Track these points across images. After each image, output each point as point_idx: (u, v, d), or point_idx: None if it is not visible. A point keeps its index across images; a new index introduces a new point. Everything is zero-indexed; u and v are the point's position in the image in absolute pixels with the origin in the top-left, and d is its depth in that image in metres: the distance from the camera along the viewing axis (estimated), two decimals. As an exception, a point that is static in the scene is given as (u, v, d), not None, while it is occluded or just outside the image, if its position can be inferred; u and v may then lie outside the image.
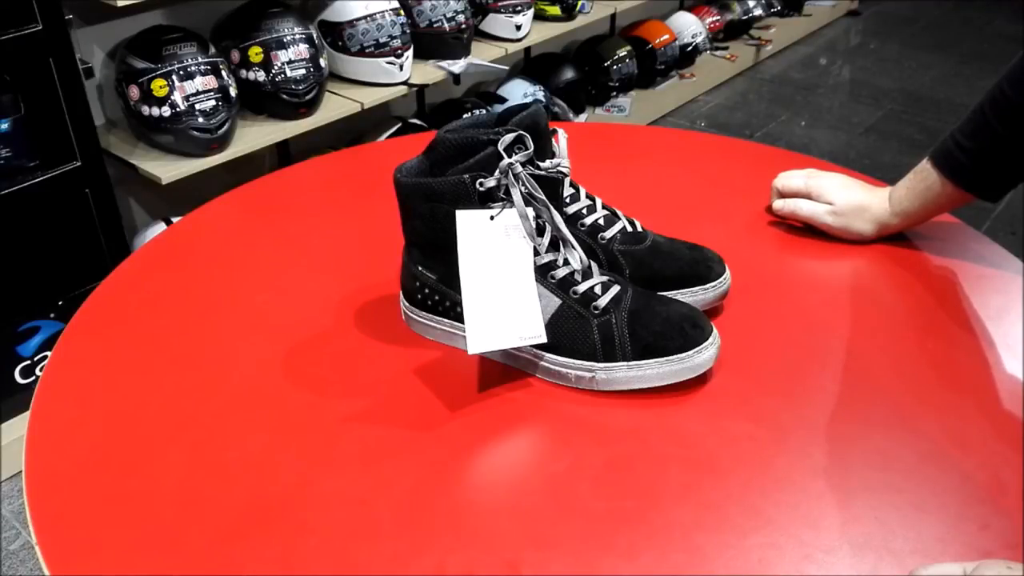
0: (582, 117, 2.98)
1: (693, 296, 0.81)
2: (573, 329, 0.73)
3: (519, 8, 2.49)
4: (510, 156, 0.71)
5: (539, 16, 2.67)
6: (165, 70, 1.76)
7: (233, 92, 1.85)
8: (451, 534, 0.61)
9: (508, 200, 0.72)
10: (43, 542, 0.61)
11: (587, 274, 0.74)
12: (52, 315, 1.78)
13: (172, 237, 0.99)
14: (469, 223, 0.72)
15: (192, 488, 0.65)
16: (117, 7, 1.67)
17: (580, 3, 2.71)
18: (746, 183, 1.07)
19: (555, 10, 2.68)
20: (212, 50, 1.84)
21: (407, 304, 0.81)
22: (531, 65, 2.94)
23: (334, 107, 2.07)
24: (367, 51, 2.11)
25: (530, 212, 0.72)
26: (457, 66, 2.32)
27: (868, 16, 4.51)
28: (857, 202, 0.95)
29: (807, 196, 0.97)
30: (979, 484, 0.66)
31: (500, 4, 2.47)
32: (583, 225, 0.82)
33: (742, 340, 0.80)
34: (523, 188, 0.71)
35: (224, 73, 1.83)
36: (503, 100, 2.69)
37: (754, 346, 0.80)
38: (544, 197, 0.72)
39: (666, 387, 0.73)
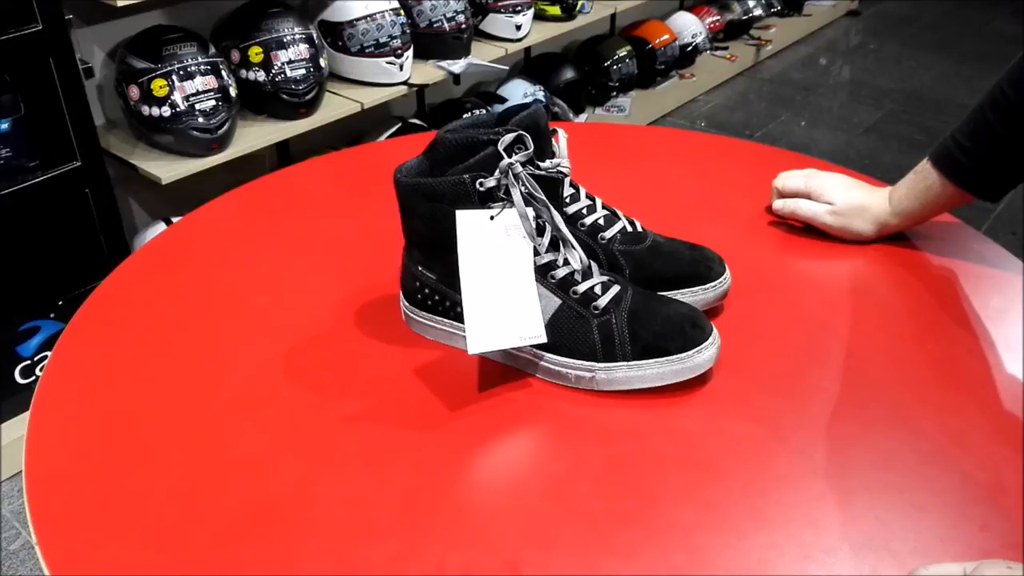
0: (582, 117, 2.98)
1: (693, 296, 0.81)
2: (573, 329, 0.73)
3: (519, 8, 2.49)
4: (510, 156, 0.71)
5: (539, 16, 2.67)
6: (165, 70, 1.76)
7: (233, 92, 1.85)
8: (451, 534, 0.61)
9: (508, 200, 0.72)
10: (43, 542, 0.61)
11: (587, 274, 0.74)
12: (52, 315, 1.78)
13: (172, 237, 0.99)
14: (469, 223, 0.72)
15: (192, 488, 0.65)
16: (117, 7, 1.67)
17: (580, 3, 2.71)
18: (746, 183, 1.07)
19: (555, 10, 2.68)
20: (212, 50, 1.84)
21: (407, 304, 0.81)
22: (531, 65, 2.94)
23: (334, 107, 2.07)
24: (367, 51, 2.11)
25: (530, 212, 0.72)
26: (457, 66, 2.32)
27: (868, 16, 4.51)
28: (857, 202, 0.95)
29: (807, 196, 0.97)
30: (979, 484, 0.66)
31: (500, 4, 2.47)
32: (583, 225, 0.82)
33: (742, 340, 0.80)
34: (523, 188, 0.71)
35: (224, 73, 1.83)
36: (503, 100, 2.69)
37: (754, 346, 0.80)
38: (544, 197, 0.72)
39: (666, 387, 0.73)
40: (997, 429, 0.71)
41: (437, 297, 0.77)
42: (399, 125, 2.35)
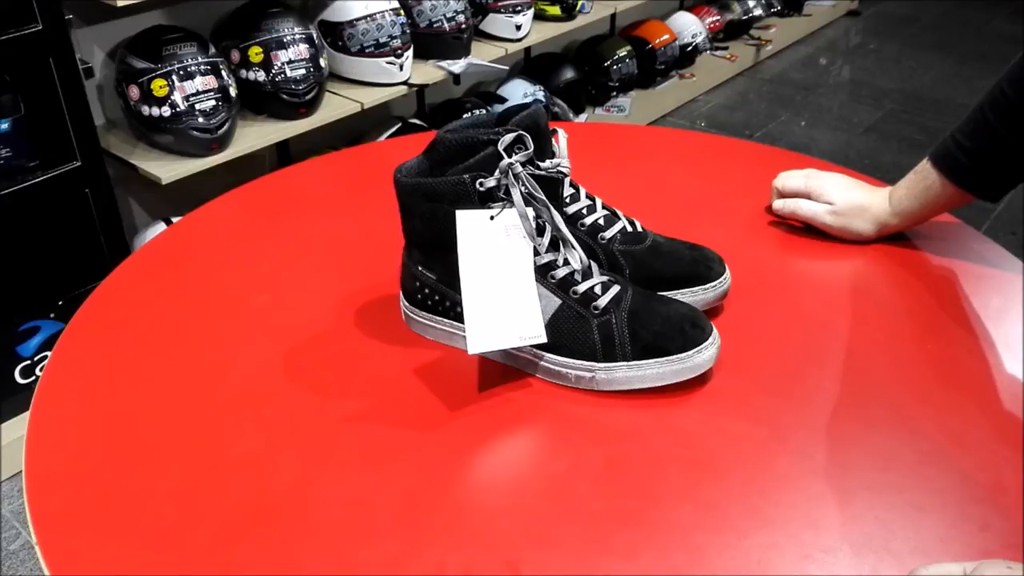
0: (582, 117, 2.98)
1: (693, 296, 0.81)
2: (573, 329, 0.73)
3: (519, 8, 2.49)
4: (510, 156, 0.71)
5: (539, 16, 2.67)
6: (165, 70, 1.76)
7: (233, 92, 1.85)
8: (451, 534, 0.61)
9: (508, 200, 0.72)
10: (43, 542, 0.61)
11: (587, 274, 0.74)
12: (52, 315, 1.78)
13: (172, 237, 0.99)
14: (469, 223, 0.72)
15: (192, 488, 0.65)
16: (117, 7, 1.67)
17: (580, 3, 2.71)
18: (746, 183, 1.07)
19: (555, 10, 2.68)
20: (212, 50, 1.84)
21: (407, 304, 0.81)
22: (531, 65, 2.94)
23: (334, 107, 2.07)
24: (367, 51, 2.11)
25: (530, 212, 0.72)
26: (457, 66, 2.32)
27: (868, 16, 4.51)
28: (857, 202, 0.95)
29: (807, 196, 0.97)
30: (979, 484, 0.66)
31: (500, 4, 2.47)
32: (583, 225, 0.82)
33: (742, 340, 0.80)
34: (523, 188, 0.71)
35: (224, 73, 1.83)
36: (503, 100, 2.69)
37: (754, 346, 0.80)
38: (544, 197, 0.72)
39: (666, 387, 0.73)
40: (997, 429, 0.71)
41: (437, 297, 0.77)
42: (399, 125, 2.35)
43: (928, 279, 0.91)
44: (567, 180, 0.81)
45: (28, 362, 1.74)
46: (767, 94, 3.57)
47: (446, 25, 2.29)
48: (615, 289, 0.74)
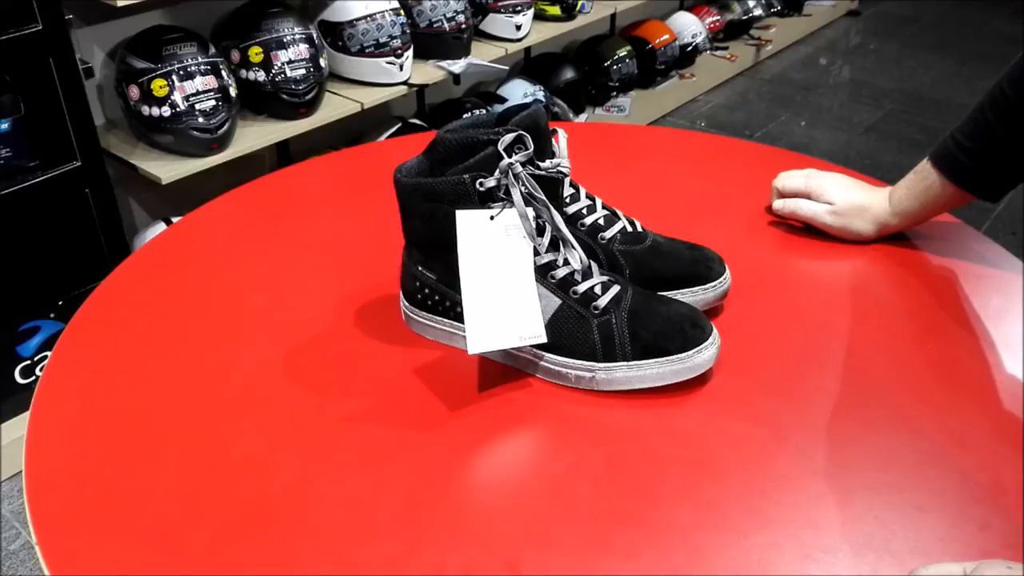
0: (582, 117, 2.98)
1: (693, 296, 0.81)
2: (573, 329, 0.73)
3: (519, 8, 2.49)
4: (510, 156, 0.71)
5: (539, 16, 2.67)
6: (165, 70, 1.76)
7: (233, 92, 1.85)
8: (451, 534, 0.61)
9: (508, 200, 0.72)
10: (43, 542, 0.61)
11: (587, 274, 0.74)
12: (52, 315, 1.78)
13: (172, 237, 0.99)
14: (469, 223, 0.72)
15: (192, 488, 0.65)
16: (117, 7, 1.67)
17: (580, 3, 2.71)
18: (746, 183, 1.07)
19: (555, 10, 2.68)
20: (212, 50, 1.84)
21: (407, 304, 0.81)
22: (531, 65, 2.94)
23: (334, 107, 2.07)
24: (367, 51, 2.11)
25: (530, 212, 0.72)
26: (457, 66, 2.32)
27: (868, 16, 4.51)
28: (857, 202, 0.95)
29: (807, 196, 0.97)
30: (979, 484, 0.66)
31: (500, 4, 2.47)
32: (583, 225, 0.82)
33: (742, 340, 0.80)
34: (523, 188, 0.71)
35: (224, 73, 1.83)
36: (503, 100, 2.69)
37: (754, 346, 0.80)
38: (544, 197, 0.72)
39: (666, 387, 0.73)
40: (997, 429, 0.71)
41: (437, 297, 0.77)
42: (399, 125, 2.35)
43: (928, 279, 0.91)
44: (567, 180, 0.81)
45: (28, 362, 1.74)
46: (767, 94, 3.57)
47: (446, 25, 2.29)
48: (615, 289, 0.74)
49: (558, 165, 0.75)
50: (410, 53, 2.18)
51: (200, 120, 1.79)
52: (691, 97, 3.46)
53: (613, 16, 3.21)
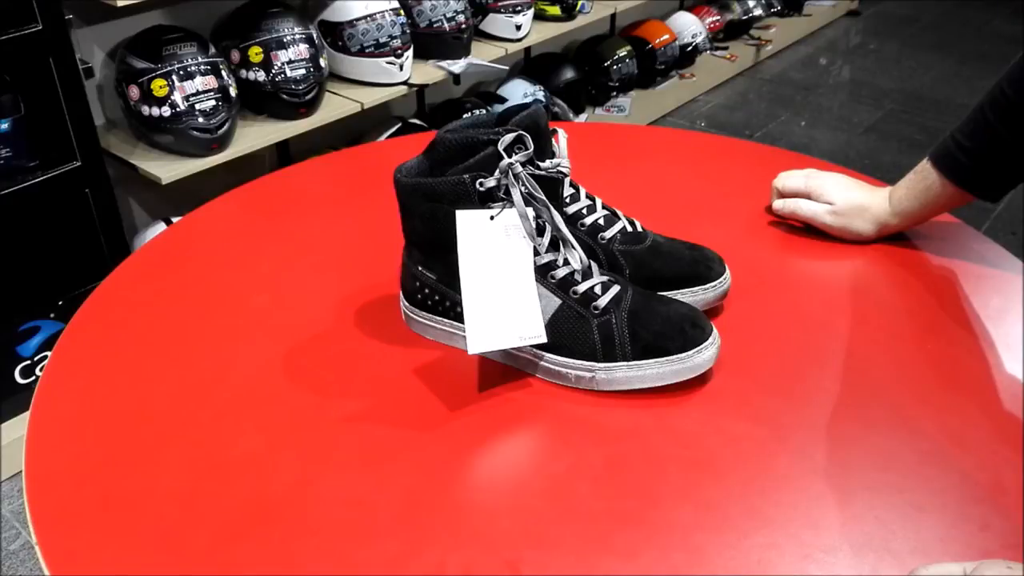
0: (582, 117, 2.98)
1: (693, 296, 0.81)
2: (573, 329, 0.73)
3: (519, 8, 2.49)
4: (510, 156, 0.71)
5: (539, 16, 2.67)
6: (165, 70, 1.76)
7: (233, 92, 1.85)
8: (451, 534, 0.61)
9: (508, 200, 0.72)
10: (43, 542, 0.61)
11: (587, 274, 0.74)
12: (52, 315, 1.78)
13: (172, 237, 0.99)
14: (469, 223, 0.72)
15: (192, 488, 0.65)
16: (117, 7, 1.67)
17: (580, 3, 2.71)
18: (746, 183, 1.07)
19: (555, 10, 2.68)
20: (212, 50, 1.84)
21: (407, 304, 0.81)
22: (531, 65, 2.94)
23: (334, 107, 2.07)
24: (367, 51, 2.11)
25: (530, 212, 0.72)
26: (457, 66, 2.32)
27: (868, 16, 4.51)
28: (857, 202, 0.95)
29: (807, 196, 0.97)
30: (979, 484, 0.66)
31: (500, 4, 2.47)
32: (583, 225, 0.82)
33: (742, 340, 0.80)
34: (523, 188, 0.71)
35: (224, 73, 1.83)
36: (503, 100, 2.69)
37: (754, 346, 0.80)
38: (544, 197, 0.72)
39: (666, 387, 0.73)
40: (997, 429, 0.71)
41: (437, 297, 0.77)
42: (399, 125, 2.35)
43: (928, 279, 0.91)
44: (567, 180, 0.81)
45: (28, 362, 1.74)
46: (767, 94, 3.57)
47: (446, 25, 2.29)
48: (615, 289, 0.74)
49: (558, 165, 0.75)
50: (410, 53, 2.18)
51: (200, 120, 1.79)
52: (691, 97, 3.46)
53: (613, 16, 3.21)
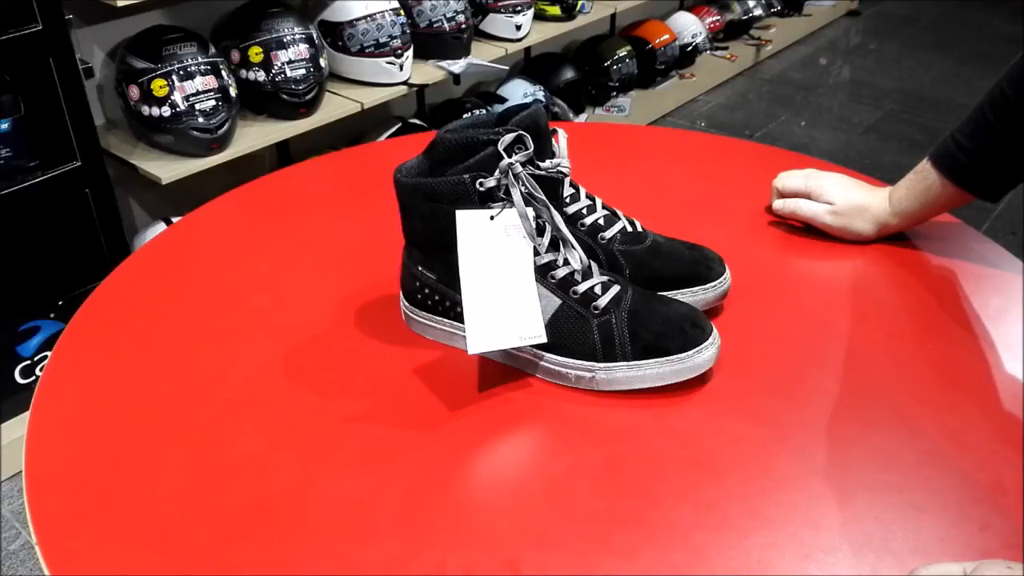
0: (582, 117, 2.98)
1: (693, 296, 0.81)
2: (573, 329, 0.73)
3: (519, 8, 2.49)
4: (510, 156, 0.71)
5: (539, 16, 2.67)
6: (165, 70, 1.76)
7: (233, 92, 1.85)
8: (451, 534, 0.61)
9: (508, 200, 0.72)
10: (43, 542, 0.61)
11: (587, 274, 0.74)
12: (52, 315, 1.78)
13: (172, 237, 0.99)
14: (469, 223, 0.72)
15: (192, 488, 0.65)
16: (117, 7, 1.67)
17: (580, 3, 2.71)
18: (746, 183, 1.07)
19: (555, 10, 2.68)
20: (212, 50, 1.84)
21: (407, 304, 0.81)
22: (531, 65, 2.94)
23: (334, 107, 2.07)
24: (367, 51, 2.11)
25: (530, 212, 0.72)
26: (457, 66, 2.32)
27: (868, 16, 4.51)
28: (857, 202, 0.95)
29: (807, 196, 0.97)
30: (979, 484, 0.66)
31: (500, 4, 2.47)
32: (583, 225, 0.82)
33: (742, 340, 0.80)
34: (523, 188, 0.71)
35: (224, 73, 1.83)
36: (503, 100, 2.69)
37: (754, 346, 0.80)
38: (544, 197, 0.72)
39: (666, 387, 0.73)
40: (997, 429, 0.71)
41: (437, 297, 0.77)
42: (399, 125, 2.35)
43: (928, 279, 0.91)
44: (567, 180, 0.81)
45: (28, 362, 1.74)
46: (767, 94, 3.57)
47: (446, 25, 2.29)
48: (615, 289, 0.74)
49: (558, 165, 0.75)
50: (410, 53, 2.18)
51: (200, 120, 1.79)
52: (691, 97, 3.46)
53: (613, 16, 3.21)
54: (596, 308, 0.73)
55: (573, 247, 0.74)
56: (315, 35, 2.00)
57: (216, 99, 1.80)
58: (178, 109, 1.77)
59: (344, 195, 1.08)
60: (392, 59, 2.14)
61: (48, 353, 1.59)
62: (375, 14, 2.09)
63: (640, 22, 3.31)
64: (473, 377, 0.76)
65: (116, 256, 1.77)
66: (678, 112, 3.37)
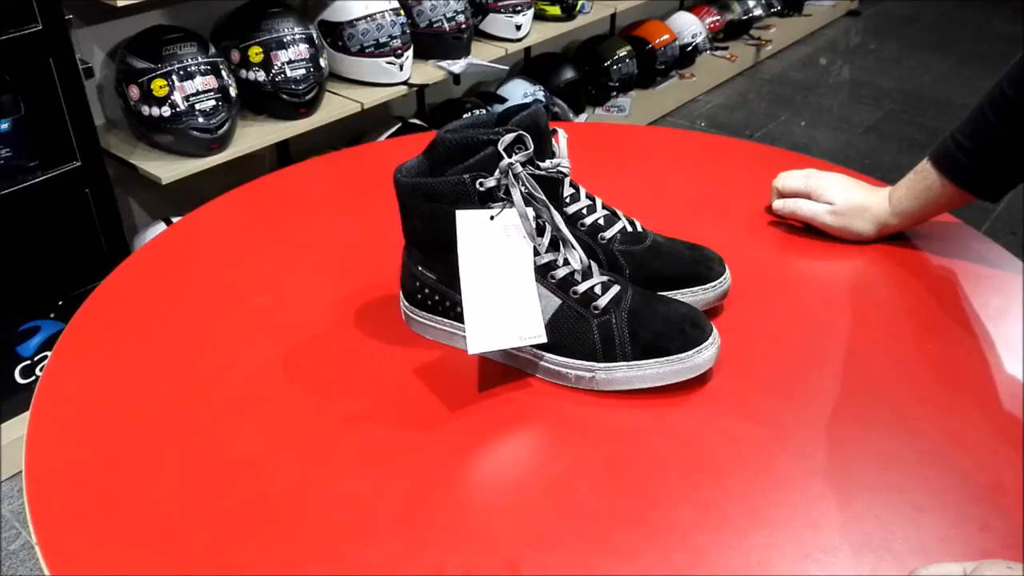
0: (582, 117, 2.98)
1: (693, 296, 0.81)
2: (573, 329, 0.73)
3: (519, 8, 2.49)
4: (510, 156, 0.71)
5: (539, 16, 2.67)
6: (165, 70, 1.76)
7: (233, 92, 1.85)
8: (451, 534, 0.61)
9: (508, 200, 0.72)
10: (43, 542, 0.61)
11: (587, 274, 0.74)
12: (52, 315, 1.78)
13: (172, 237, 0.99)
14: (469, 223, 0.72)
15: (192, 488, 0.65)
16: (117, 7, 1.67)
17: (580, 3, 2.71)
18: (746, 183, 1.07)
19: (555, 10, 2.68)
20: (212, 50, 1.84)
21: (407, 304, 0.81)
22: (531, 65, 2.94)
23: (334, 107, 2.07)
24: (367, 51, 2.11)
25: (530, 212, 0.72)
26: (457, 66, 2.32)
27: (868, 16, 4.51)
28: (857, 202, 0.95)
29: (807, 196, 0.97)
30: (979, 484, 0.66)
31: (500, 4, 2.47)
32: (583, 225, 0.82)
33: (742, 340, 0.80)
34: (523, 188, 0.71)
35: (224, 73, 1.83)
36: (503, 100, 2.69)
37: (754, 346, 0.80)
38: (544, 197, 0.72)
39: (666, 387, 0.73)
40: (997, 429, 0.71)
41: (437, 297, 0.77)
42: (399, 125, 2.35)
43: (928, 279, 0.91)
44: (567, 180, 0.81)
45: (28, 362, 1.74)
46: (767, 94, 3.57)
47: (446, 25, 2.29)
48: (615, 289, 0.74)
49: (558, 165, 0.75)
50: (410, 53, 2.18)
51: (200, 120, 1.79)
52: (691, 97, 3.46)
53: (613, 16, 3.21)
54: (596, 308, 0.73)
55: (573, 247, 0.74)
56: (315, 35, 2.00)
57: (216, 99, 1.80)
58: (178, 109, 1.77)
59: (344, 195, 1.08)
60: (392, 59, 2.14)
61: (48, 353, 1.59)
62: (375, 14, 2.09)
63: (640, 22, 3.31)
64: (473, 377, 0.76)
65: (116, 256, 1.77)
66: (678, 112, 3.37)
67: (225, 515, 0.63)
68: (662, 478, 0.66)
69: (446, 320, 0.78)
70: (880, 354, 0.80)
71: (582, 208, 0.82)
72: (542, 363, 0.75)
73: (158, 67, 1.76)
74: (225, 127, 1.83)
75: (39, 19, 1.52)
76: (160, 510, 0.63)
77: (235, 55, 1.94)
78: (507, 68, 2.54)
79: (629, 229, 0.83)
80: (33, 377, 1.74)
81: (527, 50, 2.92)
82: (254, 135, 1.94)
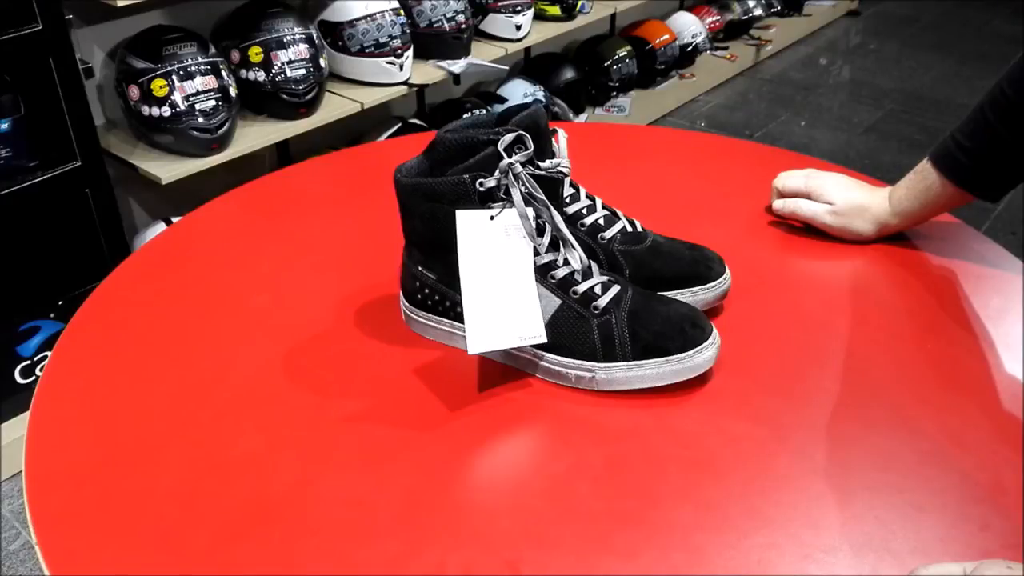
0: (582, 117, 2.98)
1: (693, 296, 0.81)
2: (573, 329, 0.73)
3: (519, 8, 2.49)
4: (510, 156, 0.71)
5: (539, 16, 2.67)
6: (165, 70, 1.76)
7: (233, 92, 1.85)
8: (451, 534, 0.61)
9: (508, 200, 0.72)
10: (43, 542, 0.61)
11: (587, 274, 0.74)
12: (52, 315, 1.78)
13: (172, 237, 0.99)
14: (469, 223, 0.72)
15: (192, 488, 0.65)
16: (117, 7, 1.67)
17: (580, 3, 2.71)
18: (746, 183, 1.07)
19: (555, 10, 2.68)
20: (212, 50, 1.84)
21: (407, 304, 0.81)
22: (531, 65, 2.94)
23: (334, 107, 2.07)
24: (367, 51, 2.11)
25: (530, 212, 0.72)
26: (457, 66, 2.32)
27: (868, 16, 4.51)
28: (857, 202, 0.95)
29: (807, 196, 0.97)
30: (979, 484, 0.66)
31: (500, 4, 2.47)
32: (583, 225, 0.82)
33: (742, 340, 0.80)
34: (523, 188, 0.71)
35: (224, 73, 1.83)
36: (503, 100, 2.69)
37: (754, 346, 0.80)
38: (544, 197, 0.72)
39: (666, 387, 0.73)
40: (997, 429, 0.71)
41: (437, 297, 0.77)
42: (399, 125, 2.35)
43: (928, 279, 0.91)
44: (567, 180, 0.81)
45: (28, 362, 1.74)
46: (767, 94, 3.57)
47: (446, 25, 2.29)
48: (615, 289, 0.74)
49: (558, 165, 0.75)
50: (410, 53, 2.18)
51: (200, 120, 1.79)
52: (691, 97, 3.46)
53: (613, 16, 3.21)
54: (596, 308, 0.73)
55: (573, 247, 0.74)
56: (315, 35, 2.00)
57: (216, 99, 1.80)
58: (178, 109, 1.77)
59: (344, 195, 1.08)
60: (392, 59, 2.14)
61: (48, 353, 1.59)
62: (375, 14, 2.09)
63: (640, 22, 3.31)
64: (473, 377, 0.76)
65: (116, 256, 1.77)
66: (678, 112, 3.37)
67: (225, 515, 0.63)
68: (662, 478, 0.66)
69: (446, 320, 0.78)
70: (880, 354, 0.80)
71: (582, 208, 0.82)
72: (542, 363, 0.75)
73: (158, 67, 1.76)
74: (225, 127, 1.83)
75: (39, 19, 1.52)
76: (160, 510, 0.63)
77: (235, 55, 1.94)
78: (507, 68, 2.54)
79: (629, 229, 0.83)
80: (33, 377, 1.74)
81: (527, 50, 2.92)
82: (254, 135, 1.94)
